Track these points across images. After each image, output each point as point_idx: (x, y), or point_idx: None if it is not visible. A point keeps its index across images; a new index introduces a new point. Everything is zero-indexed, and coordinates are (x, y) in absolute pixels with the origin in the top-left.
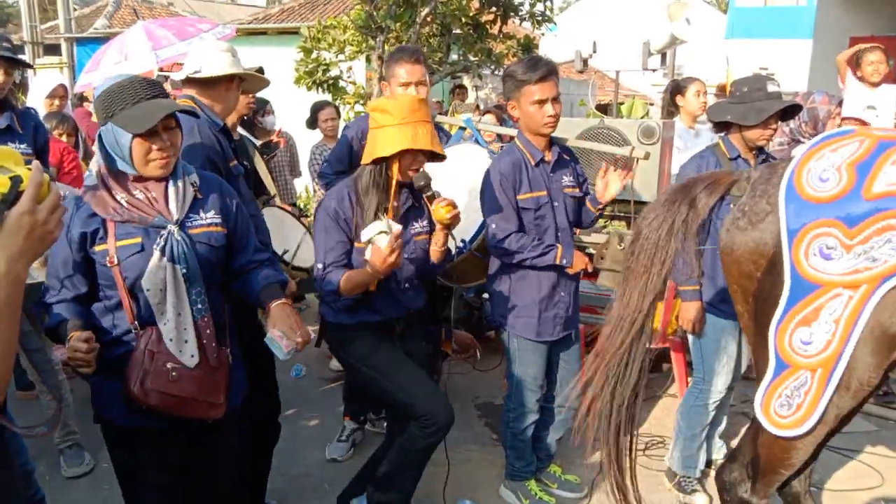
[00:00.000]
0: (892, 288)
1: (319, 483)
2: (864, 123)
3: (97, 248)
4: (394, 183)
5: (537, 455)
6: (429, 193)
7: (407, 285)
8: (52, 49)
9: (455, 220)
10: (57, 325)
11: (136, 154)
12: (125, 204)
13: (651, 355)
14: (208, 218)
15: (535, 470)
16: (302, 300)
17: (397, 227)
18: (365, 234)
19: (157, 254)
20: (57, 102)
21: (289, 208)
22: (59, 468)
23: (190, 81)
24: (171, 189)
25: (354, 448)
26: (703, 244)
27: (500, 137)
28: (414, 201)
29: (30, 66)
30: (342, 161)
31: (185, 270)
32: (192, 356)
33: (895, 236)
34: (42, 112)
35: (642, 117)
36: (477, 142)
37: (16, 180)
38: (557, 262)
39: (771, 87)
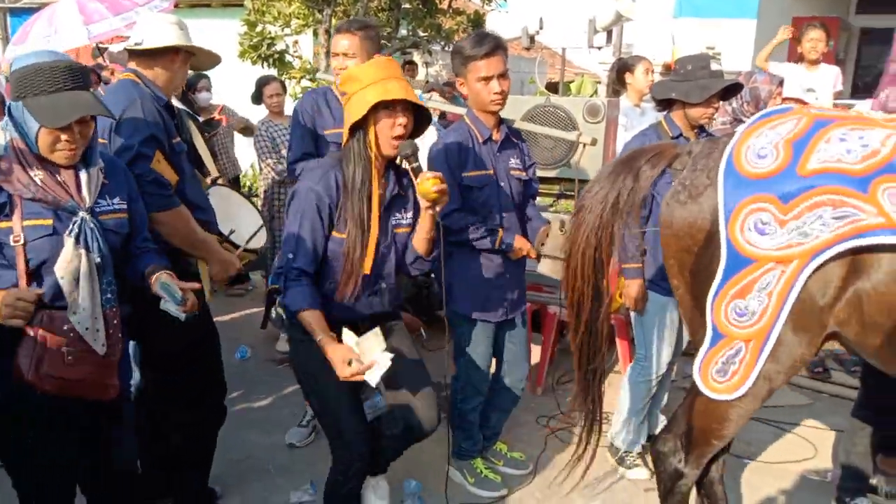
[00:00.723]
0: (822, 263)
1: (263, 466)
2: (804, 104)
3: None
4: (373, 156)
5: (483, 434)
6: (415, 165)
7: (383, 285)
8: None
9: (443, 195)
10: None
11: (42, 142)
12: (39, 182)
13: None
14: (115, 204)
15: (482, 448)
16: (247, 280)
17: (385, 358)
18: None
19: (70, 241)
20: None
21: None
22: None
23: (133, 54)
24: (84, 175)
25: (315, 433)
26: (646, 221)
27: (442, 115)
28: (400, 189)
29: None
30: (305, 143)
31: (98, 259)
32: (103, 345)
33: (826, 212)
34: None
35: (591, 95)
36: None
37: None
38: (497, 246)
39: (714, 66)
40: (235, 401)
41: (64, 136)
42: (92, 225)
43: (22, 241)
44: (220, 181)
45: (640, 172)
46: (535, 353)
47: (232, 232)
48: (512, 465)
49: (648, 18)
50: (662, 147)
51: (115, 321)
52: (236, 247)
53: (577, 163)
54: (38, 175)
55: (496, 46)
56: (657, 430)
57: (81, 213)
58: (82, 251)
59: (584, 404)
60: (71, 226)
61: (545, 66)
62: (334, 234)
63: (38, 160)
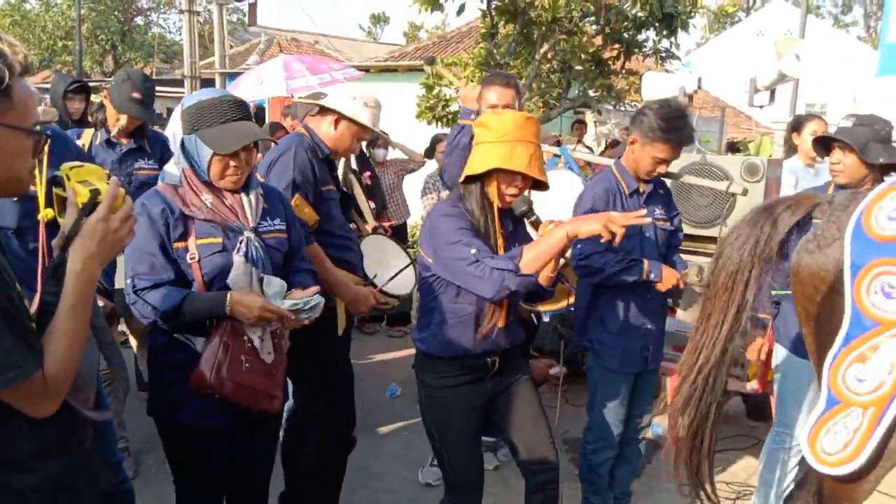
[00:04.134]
0: None
1: (397, 499)
2: None
3: (177, 245)
4: (494, 205)
5: (613, 493)
6: (532, 219)
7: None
8: (209, 83)
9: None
10: (181, 302)
11: (213, 169)
12: (209, 205)
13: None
14: (276, 224)
15: None
16: (406, 324)
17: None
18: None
19: (239, 258)
20: None
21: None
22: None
23: (319, 110)
24: (245, 199)
25: None
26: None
27: (589, 165)
28: (513, 226)
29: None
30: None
31: (262, 274)
32: (269, 353)
33: None
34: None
35: (770, 156)
36: (571, 169)
37: (94, 192)
38: (644, 276)
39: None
40: (379, 435)
41: (233, 163)
42: (257, 244)
43: (197, 258)
44: (380, 231)
45: (778, 219)
46: None
47: (375, 276)
48: None
49: (849, 76)
50: (803, 196)
51: (278, 331)
52: (377, 289)
53: (733, 221)
54: (208, 199)
55: (684, 142)
56: None
57: (247, 233)
58: (251, 267)
59: (690, 472)
60: (238, 244)
61: (726, 126)
62: None
63: (207, 187)
